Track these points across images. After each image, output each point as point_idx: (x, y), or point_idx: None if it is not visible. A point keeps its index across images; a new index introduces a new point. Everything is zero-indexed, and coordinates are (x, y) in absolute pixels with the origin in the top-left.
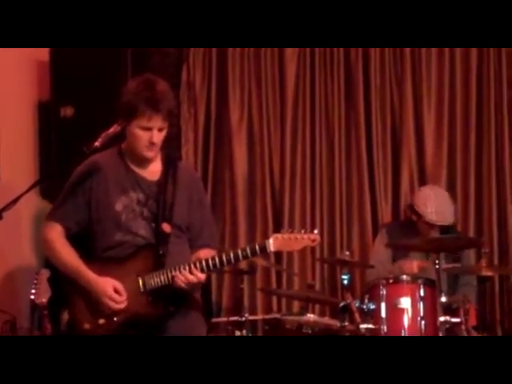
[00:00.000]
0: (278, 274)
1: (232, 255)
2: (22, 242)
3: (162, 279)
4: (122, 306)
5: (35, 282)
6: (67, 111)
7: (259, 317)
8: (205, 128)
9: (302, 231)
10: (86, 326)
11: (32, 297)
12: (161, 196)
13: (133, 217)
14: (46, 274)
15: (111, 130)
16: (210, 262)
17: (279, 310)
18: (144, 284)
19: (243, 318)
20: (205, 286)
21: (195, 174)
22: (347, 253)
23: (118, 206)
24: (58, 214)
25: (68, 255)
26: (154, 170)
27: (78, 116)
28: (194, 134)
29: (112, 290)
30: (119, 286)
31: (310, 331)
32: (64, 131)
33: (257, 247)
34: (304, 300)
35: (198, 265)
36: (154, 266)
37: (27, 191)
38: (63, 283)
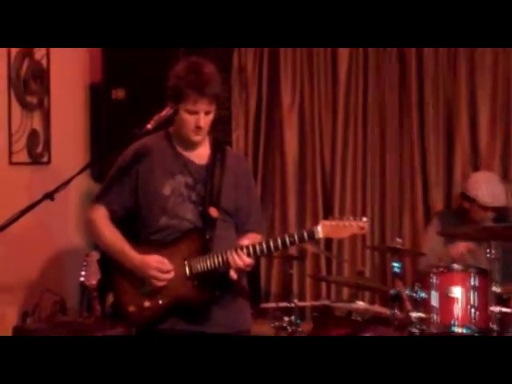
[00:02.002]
0: (328, 261)
1: (279, 241)
2: (71, 223)
3: (209, 264)
4: (169, 276)
5: (85, 264)
6: (118, 93)
7: (308, 303)
8: (256, 113)
9: (351, 218)
10: (131, 308)
11: (82, 279)
12: (208, 180)
13: (180, 201)
14: (95, 256)
15: (164, 112)
16: (258, 247)
17: (328, 296)
18: (190, 268)
19: (292, 304)
20: (254, 272)
21: (243, 159)
22: (398, 240)
23: (166, 190)
24: (104, 197)
25: (112, 235)
26: (201, 154)
27: (129, 98)
28: (245, 118)
29: (156, 262)
30: (163, 259)
31: (359, 318)
32: (115, 114)
33: (305, 234)
34: (354, 287)
35: (245, 250)
36: (200, 250)
37: (78, 174)
38: (110, 265)
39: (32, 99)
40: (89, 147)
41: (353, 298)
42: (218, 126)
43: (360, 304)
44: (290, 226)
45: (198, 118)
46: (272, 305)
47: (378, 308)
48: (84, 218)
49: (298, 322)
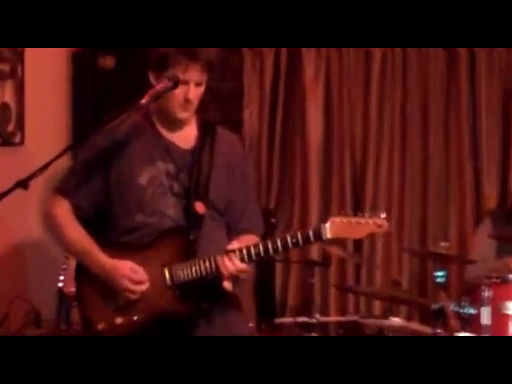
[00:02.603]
0: (357, 267)
1: (279, 243)
2: None
3: (194, 271)
4: (143, 287)
5: (64, 267)
6: (107, 62)
7: (332, 318)
8: (272, 86)
9: (367, 214)
10: (101, 325)
11: (60, 285)
12: (194, 168)
13: (160, 193)
14: None
15: (161, 85)
16: (253, 250)
17: (357, 311)
18: (171, 276)
19: (313, 320)
20: (267, 280)
21: (238, 143)
22: (443, 244)
23: (143, 179)
24: (67, 188)
25: (77, 233)
26: (187, 136)
27: (118, 67)
28: (260, 92)
29: (129, 270)
30: (138, 267)
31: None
32: (102, 86)
33: (310, 233)
34: (387, 300)
35: (237, 253)
36: (183, 255)
37: (57, 158)
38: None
39: (3, 67)
40: (70, 126)
41: (386, 313)
42: (227, 102)
43: (395, 321)
44: (312, 223)
45: (188, 89)
46: (289, 320)
47: (416, 326)
48: (42, 212)
49: None
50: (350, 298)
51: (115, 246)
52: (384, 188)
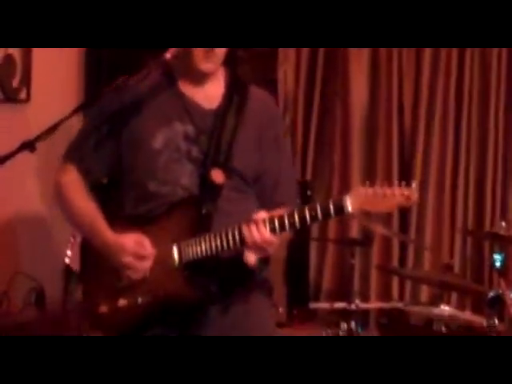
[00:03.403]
0: (403, 248)
1: (297, 216)
2: None
3: (204, 248)
4: (146, 264)
5: (72, 240)
6: None
7: (374, 305)
8: None
9: (395, 183)
10: (103, 308)
11: (67, 260)
12: (216, 130)
13: (176, 158)
14: None
15: None
16: (269, 223)
17: (402, 297)
18: (180, 254)
19: (352, 306)
20: (300, 261)
21: (272, 105)
22: (502, 224)
23: (157, 142)
24: (76, 154)
25: (83, 204)
26: (212, 95)
27: None
28: (297, 49)
29: (134, 243)
30: (144, 239)
31: (443, 329)
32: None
33: (331, 206)
34: (437, 286)
35: (267, 223)
36: (193, 230)
37: (68, 117)
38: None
39: None
40: (83, 80)
41: (435, 300)
42: (259, 59)
43: (445, 309)
44: None
45: None
46: (325, 305)
47: (469, 316)
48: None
49: (360, 330)
50: (395, 282)
51: (126, 219)
52: (435, 161)
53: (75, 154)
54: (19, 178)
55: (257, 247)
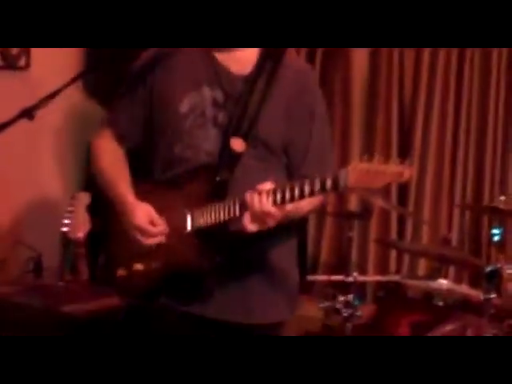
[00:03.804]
0: (401, 221)
1: (297, 189)
2: (57, 152)
3: (213, 217)
4: (155, 240)
5: (70, 209)
6: None
7: (371, 278)
8: None
9: (391, 160)
10: (121, 271)
11: (64, 229)
12: (243, 97)
13: (201, 123)
14: (84, 199)
15: None
16: (271, 196)
17: (399, 270)
18: (192, 221)
19: (350, 279)
20: (297, 233)
21: (308, 75)
22: (502, 198)
23: (184, 106)
24: (111, 117)
25: (111, 166)
26: (245, 61)
27: None
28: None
29: (145, 219)
30: (156, 215)
31: (440, 303)
32: None
33: (328, 181)
34: (435, 259)
35: (270, 195)
36: (208, 197)
37: (67, 85)
38: (104, 209)
39: None
40: (84, 48)
41: (433, 274)
42: None
43: (443, 283)
44: None
45: None
46: (322, 278)
47: (467, 289)
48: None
49: (357, 303)
50: (392, 255)
51: (154, 184)
52: (435, 132)
53: (111, 118)
54: (19, 147)
55: (257, 217)
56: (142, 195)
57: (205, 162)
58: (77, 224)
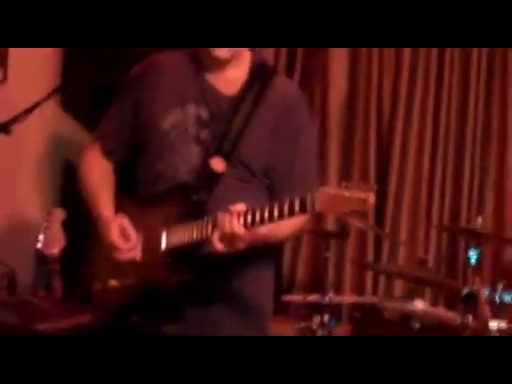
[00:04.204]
0: (378, 242)
1: (267, 212)
2: (30, 169)
3: (186, 236)
4: (127, 256)
5: (45, 225)
6: None
7: (347, 299)
8: None
9: (360, 184)
10: (97, 286)
11: (39, 245)
12: (227, 116)
13: (183, 140)
14: (60, 215)
15: None
16: (242, 216)
17: (375, 292)
18: (167, 240)
19: (326, 299)
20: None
21: (296, 97)
22: (478, 220)
23: (167, 123)
24: (99, 132)
25: (93, 183)
26: (233, 81)
27: None
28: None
29: (117, 233)
30: (129, 227)
31: (416, 325)
32: None
33: (296, 203)
34: (411, 281)
35: (241, 217)
36: (184, 217)
37: (44, 100)
38: (83, 226)
39: None
40: (61, 62)
41: (410, 295)
42: None
43: (419, 305)
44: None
45: None
46: (298, 298)
47: (442, 312)
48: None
49: (333, 323)
50: (369, 276)
51: (136, 199)
52: (413, 154)
53: (100, 132)
54: None
55: (226, 238)
56: (124, 211)
57: (183, 182)
58: (52, 240)
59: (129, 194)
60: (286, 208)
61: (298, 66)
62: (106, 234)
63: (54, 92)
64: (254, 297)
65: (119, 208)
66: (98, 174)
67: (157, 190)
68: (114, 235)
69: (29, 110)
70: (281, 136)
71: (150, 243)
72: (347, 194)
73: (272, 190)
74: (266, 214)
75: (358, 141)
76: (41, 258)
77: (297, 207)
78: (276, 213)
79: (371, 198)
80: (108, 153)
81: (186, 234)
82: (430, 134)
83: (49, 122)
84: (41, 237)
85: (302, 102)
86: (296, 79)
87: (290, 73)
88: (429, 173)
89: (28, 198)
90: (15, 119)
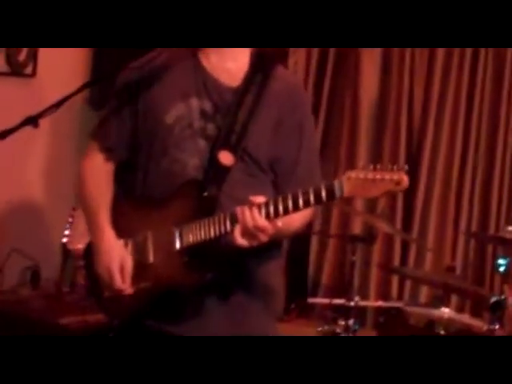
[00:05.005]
0: (405, 247)
1: (290, 200)
2: (57, 162)
3: (202, 233)
4: (113, 292)
5: (70, 220)
6: None
7: (372, 303)
8: None
9: (388, 167)
10: (107, 292)
11: (64, 240)
12: (233, 109)
13: (189, 135)
14: None
15: None
16: (264, 208)
17: (401, 297)
18: (181, 239)
19: (351, 303)
20: (299, 255)
21: (299, 88)
22: (509, 228)
23: (170, 117)
24: (100, 132)
25: (91, 192)
26: (235, 72)
27: None
28: None
29: (117, 267)
30: (128, 266)
31: (442, 332)
32: None
33: (322, 190)
34: (438, 287)
35: (262, 209)
36: (196, 214)
37: (73, 94)
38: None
39: None
40: (91, 58)
41: (436, 302)
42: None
43: (445, 311)
44: None
45: None
46: (322, 301)
47: (468, 319)
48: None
49: (357, 327)
50: (395, 281)
51: (140, 198)
52: (442, 157)
53: (99, 131)
54: (20, 154)
55: (248, 232)
56: (127, 212)
57: (192, 177)
58: (77, 235)
59: (129, 193)
60: (311, 196)
61: (329, 68)
62: (107, 257)
63: (83, 87)
64: (269, 280)
65: (123, 209)
66: (97, 184)
67: (163, 188)
68: (115, 267)
69: (57, 105)
70: (285, 127)
71: (162, 244)
72: (378, 175)
73: (277, 183)
74: (290, 204)
75: (388, 144)
76: (66, 253)
77: (323, 194)
78: (301, 202)
79: (405, 178)
80: (108, 151)
81: (202, 232)
82: (461, 139)
83: (76, 117)
84: (66, 232)
85: (305, 93)
86: (327, 82)
87: (321, 75)
88: (458, 178)
89: (55, 195)
90: (43, 113)
